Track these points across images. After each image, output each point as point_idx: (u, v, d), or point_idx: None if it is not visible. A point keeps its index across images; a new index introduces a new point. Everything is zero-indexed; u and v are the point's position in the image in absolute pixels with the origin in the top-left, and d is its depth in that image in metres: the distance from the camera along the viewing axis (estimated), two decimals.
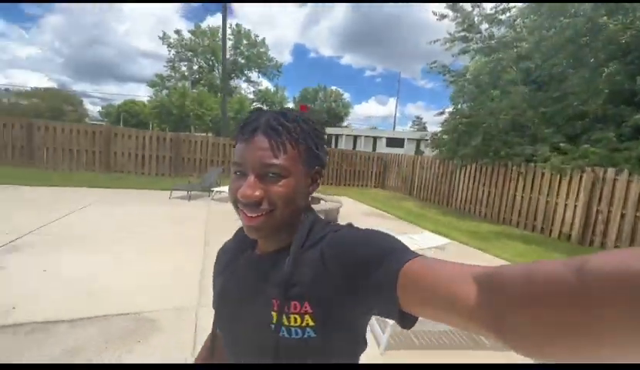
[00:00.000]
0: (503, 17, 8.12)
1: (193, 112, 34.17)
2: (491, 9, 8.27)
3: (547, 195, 6.76)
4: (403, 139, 32.72)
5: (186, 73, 41.50)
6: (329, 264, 0.50)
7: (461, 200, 8.95)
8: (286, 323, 0.50)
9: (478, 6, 8.55)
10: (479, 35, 8.61)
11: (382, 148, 31.18)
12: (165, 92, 40.75)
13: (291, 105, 46.05)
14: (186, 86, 38.14)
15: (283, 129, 0.53)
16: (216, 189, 7.70)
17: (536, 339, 0.28)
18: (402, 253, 0.44)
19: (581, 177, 6.18)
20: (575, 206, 6.25)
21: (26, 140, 9.21)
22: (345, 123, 47.53)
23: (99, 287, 2.90)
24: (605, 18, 6.29)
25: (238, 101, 38.51)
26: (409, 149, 28.23)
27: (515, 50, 7.82)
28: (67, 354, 2.03)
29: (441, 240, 4.07)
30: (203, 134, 26.92)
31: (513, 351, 0.30)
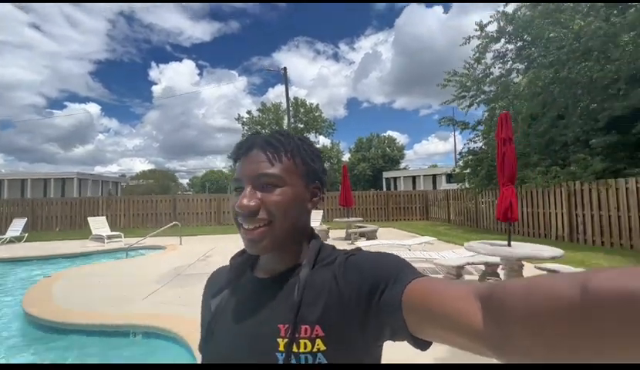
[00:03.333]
0: (487, 81, 10.68)
1: None
2: (479, 73, 10.92)
3: (542, 207, 8.60)
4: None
5: None
6: (343, 288, 0.50)
7: (481, 219, 10.85)
8: (295, 349, 0.48)
9: (471, 70, 11.27)
10: (476, 93, 11.20)
11: (443, 184, 32.40)
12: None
13: (347, 156, 50.37)
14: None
15: (278, 143, 0.55)
16: None
17: (537, 357, 0.28)
18: (408, 273, 0.45)
19: (560, 191, 8.06)
20: (562, 213, 8.04)
21: (172, 209, 14.17)
22: (402, 165, 49.32)
23: None
24: (566, 71, 8.52)
25: None
26: None
27: (501, 103, 10.22)
28: None
29: (426, 239, 6.61)
30: None
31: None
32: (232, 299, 0.59)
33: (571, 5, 8.46)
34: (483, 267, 4.46)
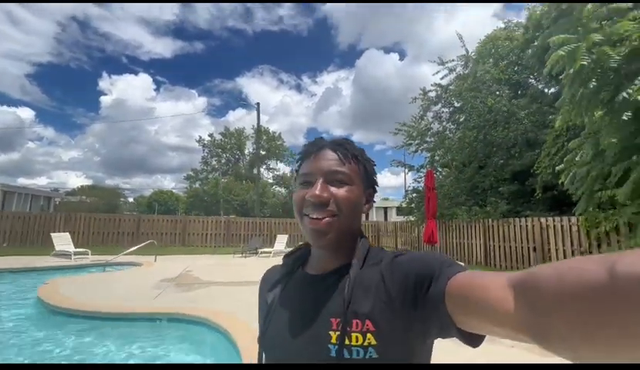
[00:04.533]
0: (429, 133, 13.20)
1: (223, 198, 40.18)
2: (422, 127, 13.43)
3: (467, 238, 10.77)
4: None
5: (216, 166, 49.25)
6: (390, 286, 0.52)
7: (422, 247, 12.86)
8: (347, 342, 0.49)
9: (416, 123, 13.73)
10: (420, 141, 13.63)
11: (394, 217, 35.14)
12: (198, 183, 48.14)
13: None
14: (217, 177, 45.14)
15: (346, 146, 0.62)
16: (260, 249, 12.12)
17: (573, 340, 0.28)
18: (450, 268, 0.47)
19: (479, 225, 10.30)
20: (480, 243, 10.22)
21: (135, 228, 14.26)
22: None
23: (218, 278, 7.18)
24: (483, 134, 11.10)
25: (261, 185, 44.92)
26: None
27: (439, 151, 12.70)
28: (224, 291, 6.29)
29: None
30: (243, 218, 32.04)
31: (554, 354, 0.31)
32: (285, 294, 0.63)
33: (485, 87, 11.25)
34: None
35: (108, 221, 14.25)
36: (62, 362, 3.32)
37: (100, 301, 4.79)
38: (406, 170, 14.58)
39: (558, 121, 4.34)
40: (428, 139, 13.52)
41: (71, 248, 10.46)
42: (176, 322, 4.10)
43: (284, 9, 74.34)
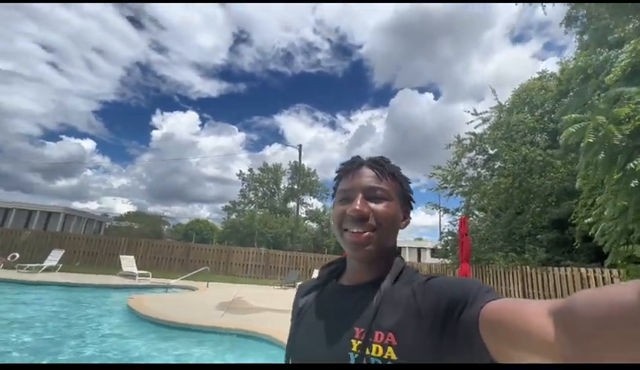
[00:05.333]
0: (463, 178, 13.64)
1: (258, 230, 41.68)
2: (457, 172, 13.91)
3: (504, 285, 10.72)
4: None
5: (252, 199, 51.64)
6: (420, 305, 0.52)
7: None
8: (367, 352, 0.50)
9: (451, 167, 14.26)
10: (454, 185, 14.06)
11: (428, 258, 34.12)
12: (234, 214, 50.50)
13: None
14: (254, 210, 47.17)
15: (383, 164, 0.66)
16: (297, 283, 12.81)
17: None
18: (488, 294, 0.46)
19: (517, 272, 10.30)
20: (518, 290, 10.15)
21: (185, 255, 15.68)
22: None
23: (267, 305, 7.93)
24: (518, 182, 11.40)
25: (294, 220, 46.15)
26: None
27: (474, 196, 13.02)
28: (261, 314, 7.02)
29: None
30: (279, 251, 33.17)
31: None
32: (317, 302, 0.67)
33: (519, 136, 11.73)
34: None
35: (163, 247, 15.85)
36: (143, 361, 4.20)
37: (175, 314, 5.77)
38: (442, 212, 14.89)
39: (578, 182, 4.86)
40: (463, 183, 13.93)
41: (135, 270, 11.88)
42: (243, 337, 4.92)
43: (322, 53, 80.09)
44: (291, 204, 52.02)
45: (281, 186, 52.64)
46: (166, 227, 51.96)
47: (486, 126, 13.24)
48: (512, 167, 11.47)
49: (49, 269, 11.55)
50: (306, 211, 51.89)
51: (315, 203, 52.18)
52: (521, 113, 13.05)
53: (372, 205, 0.61)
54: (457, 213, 14.53)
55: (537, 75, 15.40)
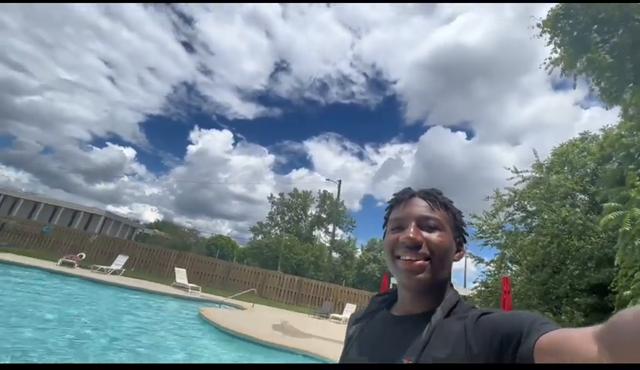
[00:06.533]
0: (499, 232, 14.01)
1: (283, 254, 42.49)
2: (494, 223, 14.31)
3: None
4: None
5: (279, 223, 52.99)
6: (472, 341, 0.51)
7: None
8: None
9: (488, 219, 14.68)
10: (489, 237, 14.40)
11: None
12: (260, 236, 51.88)
13: (359, 252, 52.35)
14: (281, 234, 48.34)
15: (435, 195, 0.67)
16: (332, 314, 13.43)
17: None
18: (543, 325, 0.45)
19: None
20: None
21: (226, 274, 16.83)
22: None
23: (313, 333, 8.68)
24: (556, 243, 11.69)
25: (319, 248, 46.66)
26: None
27: (510, 250, 13.30)
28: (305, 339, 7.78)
29: None
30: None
31: None
32: (367, 329, 0.68)
33: (558, 197, 12.16)
34: None
35: (206, 264, 17.16)
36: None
37: (242, 328, 6.74)
38: (476, 262, 15.13)
39: (617, 259, 5.45)
40: (499, 235, 14.27)
41: (186, 282, 13.11)
42: (308, 358, 5.77)
43: (357, 86, 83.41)
44: (316, 232, 52.77)
45: (308, 213, 53.79)
46: (193, 240, 54.16)
47: (525, 185, 13.74)
48: (551, 227, 11.81)
49: (115, 272, 13.05)
50: (330, 241, 52.37)
51: (340, 233, 52.53)
52: (561, 174, 13.48)
53: (425, 234, 0.62)
54: (491, 263, 14.76)
55: (578, 136, 15.87)
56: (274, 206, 52.83)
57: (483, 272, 14.45)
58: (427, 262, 0.60)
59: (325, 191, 53.10)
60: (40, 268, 10.52)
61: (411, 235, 0.60)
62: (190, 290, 12.40)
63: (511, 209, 14.00)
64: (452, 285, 0.65)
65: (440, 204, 0.66)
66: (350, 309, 14.03)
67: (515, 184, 13.69)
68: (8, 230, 15.43)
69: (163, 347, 5.51)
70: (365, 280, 44.97)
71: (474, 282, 14.97)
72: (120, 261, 13.73)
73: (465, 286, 40.91)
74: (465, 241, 0.70)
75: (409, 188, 0.71)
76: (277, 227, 52.92)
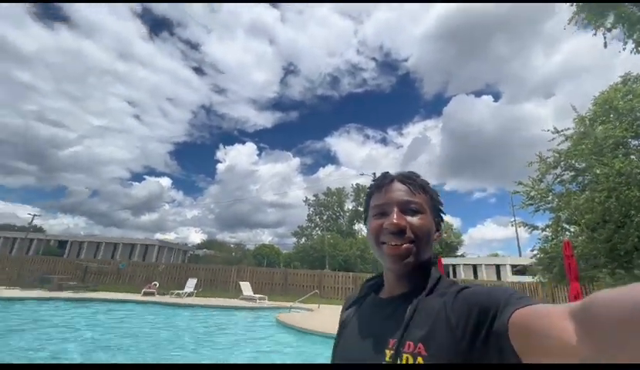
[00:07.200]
0: (550, 195, 13.57)
1: (329, 253, 43.26)
2: (542, 188, 13.88)
3: None
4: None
5: (319, 223, 53.94)
6: (451, 314, 0.54)
7: None
8: (398, 361, 0.53)
9: (535, 184, 14.26)
10: (539, 203, 13.98)
11: (508, 275, 31.42)
12: (303, 239, 53.17)
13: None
14: (323, 234, 49.24)
15: (414, 178, 0.69)
16: None
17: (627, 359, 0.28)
18: (519, 300, 0.46)
19: None
20: None
21: (284, 280, 17.84)
22: (460, 252, 48.59)
23: None
24: (615, 197, 11.20)
25: (362, 241, 46.95)
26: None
27: (565, 212, 12.88)
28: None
29: None
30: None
31: None
32: (357, 314, 0.72)
33: (609, 149, 11.62)
34: None
35: (264, 274, 18.29)
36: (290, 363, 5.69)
37: (317, 327, 7.38)
38: (530, 230, 14.77)
39: None
40: (549, 199, 13.85)
41: (252, 293, 14.18)
42: None
43: (368, 72, 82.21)
44: (356, 226, 53.08)
45: (345, 209, 54.25)
46: (239, 253, 56.86)
47: (568, 144, 13.21)
48: (605, 181, 11.33)
49: (189, 294, 14.42)
50: None
51: None
52: (607, 123, 12.78)
53: (408, 218, 0.64)
54: (547, 229, 14.35)
55: (619, 79, 14.87)
56: (311, 208, 53.93)
57: (540, 239, 14.10)
58: (412, 245, 0.62)
59: (357, 184, 53.20)
60: (130, 301, 12.00)
61: (395, 220, 0.62)
62: (257, 300, 13.41)
63: (558, 170, 13.48)
64: (434, 264, 0.67)
65: (419, 187, 0.68)
66: None
67: (558, 144, 13.19)
68: (91, 271, 17.49)
69: (260, 352, 6.31)
70: None
71: (532, 250, 14.65)
72: (191, 284, 15.11)
73: (520, 254, 39.12)
74: (442, 221, 0.72)
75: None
76: (317, 228, 53.93)
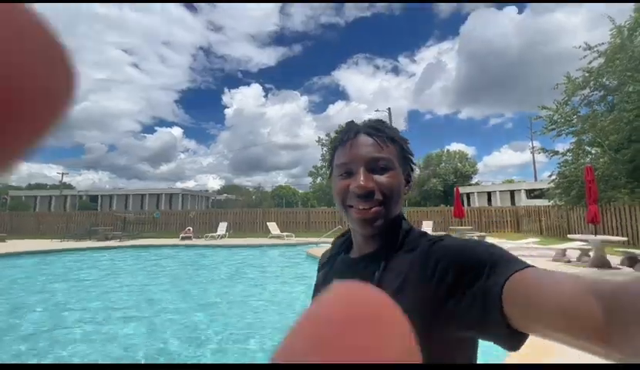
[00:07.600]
0: (574, 118, 13.08)
1: None
2: (567, 111, 13.36)
3: (631, 220, 10.78)
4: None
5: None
6: (422, 272, 0.51)
7: (569, 231, 13.05)
8: None
9: (560, 107, 13.74)
10: (562, 127, 13.60)
11: (523, 200, 31.46)
12: (319, 178, 54.36)
13: (417, 172, 51.92)
14: None
15: (381, 129, 0.62)
16: None
17: None
18: (511, 262, 0.43)
19: None
20: None
21: (307, 218, 18.95)
22: (474, 180, 48.76)
23: None
24: None
25: None
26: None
27: (588, 135, 12.57)
28: None
29: (532, 239, 9.55)
30: None
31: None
32: (330, 273, 0.68)
33: None
34: (579, 252, 7.46)
35: (289, 214, 19.43)
36: None
37: None
38: (550, 155, 14.65)
39: None
40: (574, 122, 13.46)
41: (279, 232, 15.30)
42: None
43: None
44: None
45: None
46: (259, 195, 59.22)
47: (602, 61, 12.27)
48: (638, 100, 10.81)
49: (222, 236, 15.71)
50: None
51: None
52: None
53: (376, 177, 0.58)
54: (568, 153, 14.21)
55: None
56: (324, 148, 53.87)
57: (559, 164, 14.05)
58: (382, 208, 0.58)
59: (370, 120, 51.84)
60: (170, 245, 13.26)
61: (362, 183, 0.57)
62: (285, 237, 14.53)
63: (586, 91, 12.79)
64: (402, 216, 0.64)
65: (388, 138, 0.61)
66: (427, 226, 15.13)
67: (589, 62, 12.28)
68: (129, 221, 19.00)
69: (291, 282, 7.19)
70: (429, 197, 45.20)
71: (550, 175, 14.71)
72: (222, 227, 16.36)
73: (535, 179, 39.12)
74: (412, 170, 0.68)
75: (352, 123, 0.67)
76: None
